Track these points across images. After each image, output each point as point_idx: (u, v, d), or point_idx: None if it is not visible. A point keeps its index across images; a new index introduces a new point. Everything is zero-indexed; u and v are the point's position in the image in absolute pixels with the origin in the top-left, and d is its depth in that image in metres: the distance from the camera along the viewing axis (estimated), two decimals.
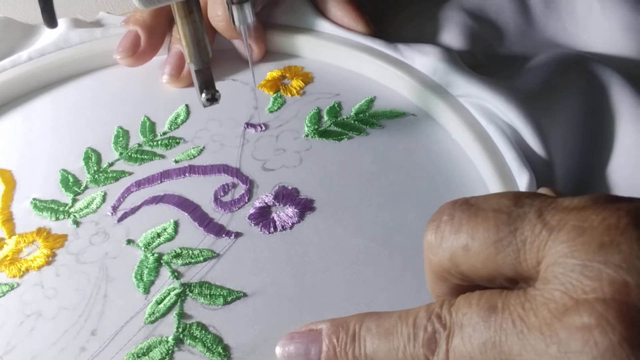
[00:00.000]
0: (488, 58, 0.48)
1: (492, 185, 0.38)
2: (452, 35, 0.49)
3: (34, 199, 0.40)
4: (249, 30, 0.45)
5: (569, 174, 0.40)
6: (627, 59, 0.47)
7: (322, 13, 0.49)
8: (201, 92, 0.38)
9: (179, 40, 0.47)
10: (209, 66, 0.37)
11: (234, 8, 0.40)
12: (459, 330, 0.23)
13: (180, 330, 0.32)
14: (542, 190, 0.35)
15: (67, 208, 0.39)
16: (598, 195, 0.23)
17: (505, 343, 0.22)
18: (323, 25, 0.48)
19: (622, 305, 0.20)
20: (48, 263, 0.36)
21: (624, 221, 0.21)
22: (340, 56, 0.47)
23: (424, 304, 0.26)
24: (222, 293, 0.34)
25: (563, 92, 0.41)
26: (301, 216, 0.38)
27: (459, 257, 0.24)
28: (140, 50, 0.47)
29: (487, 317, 0.23)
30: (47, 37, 0.50)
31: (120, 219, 0.38)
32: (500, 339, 0.22)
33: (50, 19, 0.36)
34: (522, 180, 0.37)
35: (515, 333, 0.22)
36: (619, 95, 0.41)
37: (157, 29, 0.48)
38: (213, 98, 0.38)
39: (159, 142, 0.43)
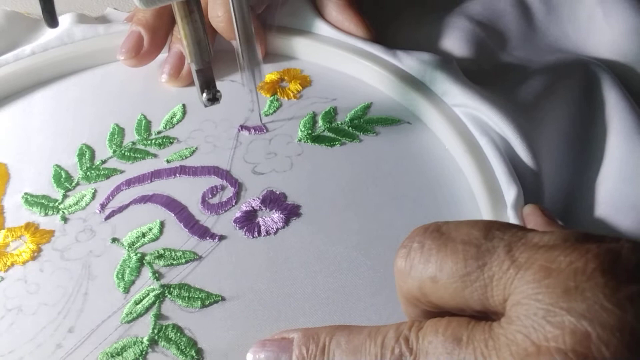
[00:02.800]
0: (490, 64, 0.48)
1: (480, 198, 0.37)
2: (454, 40, 0.48)
3: (25, 194, 0.40)
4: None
5: (558, 186, 0.39)
6: (631, 64, 0.46)
7: (323, 17, 0.48)
8: (202, 92, 0.38)
9: (180, 40, 0.48)
10: (210, 66, 0.37)
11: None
12: (424, 357, 0.23)
13: (155, 331, 0.33)
14: (528, 209, 0.35)
15: (56, 204, 0.39)
16: (568, 233, 0.22)
17: None
18: (324, 28, 0.48)
19: (582, 359, 0.19)
20: (33, 258, 0.37)
21: (591, 266, 0.20)
22: (339, 60, 0.47)
23: (395, 323, 0.25)
24: (200, 296, 0.34)
25: (557, 103, 0.41)
26: (286, 222, 0.38)
27: (427, 288, 0.24)
28: (144, 51, 0.47)
29: (451, 350, 0.22)
30: (51, 31, 0.50)
31: (108, 217, 0.39)
32: None
33: (50, 19, 0.36)
34: (510, 195, 0.36)
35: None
36: (613, 107, 0.41)
37: (160, 30, 0.48)
38: (214, 98, 0.38)
39: (153, 141, 0.43)
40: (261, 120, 0.44)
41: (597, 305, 0.20)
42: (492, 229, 0.23)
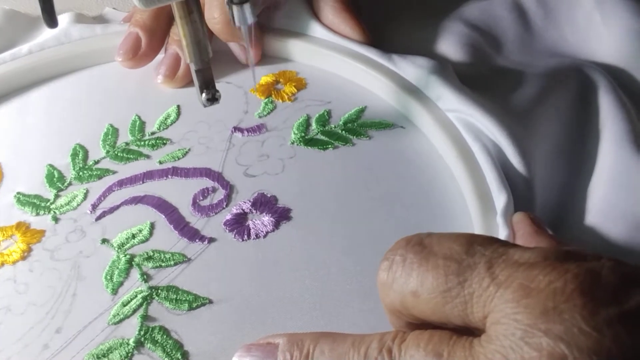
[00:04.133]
0: (486, 68, 0.47)
1: (471, 205, 0.37)
2: (450, 45, 0.48)
3: (18, 193, 0.40)
4: (249, 32, 0.45)
5: (550, 193, 0.39)
6: (629, 67, 0.46)
7: (319, 19, 0.48)
8: (201, 92, 0.38)
9: (177, 41, 0.48)
10: (209, 66, 0.37)
11: (235, 8, 0.40)
12: None
13: (142, 333, 0.33)
14: (517, 217, 0.35)
15: (48, 204, 0.40)
16: (549, 250, 0.22)
17: None
18: (320, 31, 0.48)
19: None
20: (23, 258, 0.37)
21: (570, 286, 0.20)
22: (334, 63, 0.47)
23: (379, 332, 0.25)
24: (187, 298, 0.34)
25: (552, 109, 0.41)
26: (276, 225, 0.38)
27: (409, 302, 0.24)
28: (141, 52, 0.48)
29: (429, 355, 0.22)
30: (49, 30, 0.51)
31: (99, 218, 0.39)
32: None
33: (50, 19, 0.37)
34: (500, 201, 0.36)
35: None
36: (607, 114, 0.40)
37: (158, 31, 0.48)
38: (213, 98, 0.38)
39: (146, 142, 0.43)
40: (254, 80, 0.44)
41: (575, 327, 0.20)
42: (474, 244, 0.23)
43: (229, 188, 0.40)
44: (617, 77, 0.45)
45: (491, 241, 0.23)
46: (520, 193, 0.37)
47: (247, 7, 0.39)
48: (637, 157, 0.38)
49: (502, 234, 0.34)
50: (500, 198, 0.36)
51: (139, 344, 0.32)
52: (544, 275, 0.21)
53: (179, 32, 0.36)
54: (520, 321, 0.20)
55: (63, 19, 0.51)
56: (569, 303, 0.20)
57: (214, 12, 0.46)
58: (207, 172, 0.41)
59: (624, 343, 0.19)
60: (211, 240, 0.37)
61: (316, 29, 0.48)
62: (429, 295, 0.23)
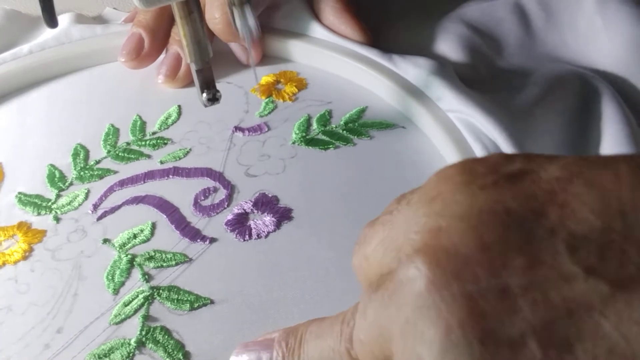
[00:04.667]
0: (487, 70, 0.47)
1: None
2: (451, 46, 0.48)
3: (19, 193, 0.40)
4: (250, 34, 0.45)
5: None
6: (630, 74, 0.46)
7: (320, 20, 0.48)
8: (202, 92, 0.38)
9: (178, 42, 0.48)
10: (210, 66, 0.37)
11: (235, 10, 0.40)
12: (359, 314, 0.23)
13: (143, 333, 0.33)
14: None
15: (49, 204, 0.40)
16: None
17: (381, 316, 0.21)
18: (320, 31, 0.48)
19: (430, 250, 0.19)
20: (24, 258, 0.37)
21: (452, 171, 0.21)
22: (334, 64, 0.47)
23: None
24: (189, 299, 0.34)
25: (552, 113, 0.41)
26: (277, 225, 0.38)
27: (365, 269, 0.24)
28: (144, 53, 0.48)
29: (370, 296, 0.22)
30: (49, 31, 0.51)
31: (100, 218, 0.39)
32: (379, 314, 0.22)
33: (50, 19, 0.37)
34: None
35: (379, 300, 0.22)
36: (608, 120, 0.40)
37: (160, 31, 0.48)
38: (214, 98, 0.38)
39: (147, 142, 0.43)
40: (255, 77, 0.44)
41: (451, 201, 0.20)
42: (406, 193, 0.23)
43: (230, 188, 0.40)
44: (617, 83, 0.45)
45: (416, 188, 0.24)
46: None
47: (248, 8, 0.39)
48: None
49: None
50: None
51: (141, 344, 0.32)
52: (436, 176, 0.21)
53: (179, 32, 0.36)
54: (411, 217, 0.21)
55: (63, 19, 0.51)
56: (449, 184, 0.20)
57: (214, 13, 0.46)
58: (208, 172, 0.41)
59: (494, 200, 0.19)
60: (212, 240, 0.37)
61: (317, 30, 0.48)
62: (373, 252, 0.23)
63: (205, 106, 0.38)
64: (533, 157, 0.21)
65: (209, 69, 0.37)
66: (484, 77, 0.47)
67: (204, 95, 0.38)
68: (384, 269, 0.23)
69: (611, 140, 0.39)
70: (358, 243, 0.25)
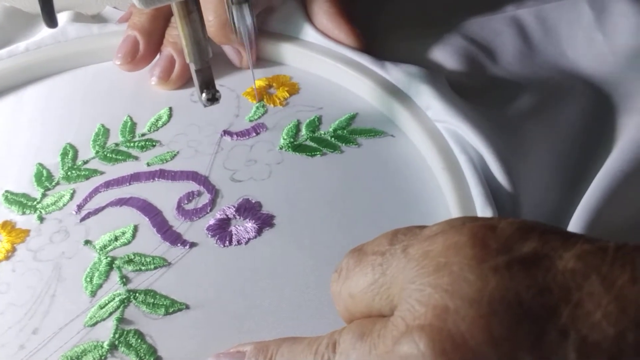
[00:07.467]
0: (481, 79, 0.47)
1: (455, 217, 0.37)
2: (446, 55, 0.48)
3: (6, 192, 0.40)
4: (248, 33, 0.45)
5: (542, 210, 0.38)
6: (630, 87, 0.45)
7: (314, 24, 0.48)
8: (201, 92, 0.38)
9: (172, 43, 0.48)
10: (209, 66, 0.37)
11: (234, 9, 0.40)
12: (339, 355, 0.24)
13: (116, 336, 0.33)
14: None
15: (34, 203, 0.40)
16: (457, 218, 0.22)
17: None
18: (314, 36, 0.48)
19: (436, 332, 0.19)
20: (7, 258, 0.37)
21: (462, 240, 0.20)
22: (327, 69, 0.47)
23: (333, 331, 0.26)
24: (164, 303, 0.34)
25: (545, 126, 0.40)
26: (259, 232, 0.38)
27: (349, 305, 0.24)
28: (140, 55, 0.48)
29: (354, 344, 0.23)
30: (47, 29, 0.51)
31: (83, 219, 0.39)
32: None
33: (49, 19, 0.37)
34: (486, 215, 0.36)
35: (365, 353, 0.22)
36: (605, 133, 0.40)
37: (155, 33, 0.48)
38: (214, 98, 0.38)
39: (136, 144, 0.43)
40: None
41: (461, 278, 0.19)
42: (398, 234, 0.23)
43: (214, 192, 0.40)
44: (616, 95, 0.44)
45: (415, 228, 0.24)
46: (506, 208, 0.37)
47: (246, 7, 0.39)
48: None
49: None
50: (486, 212, 0.36)
51: (113, 347, 0.32)
52: (444, 237, 0.21)
53: (179, 31, 0.36)
54: (416, 282, 0.21)
55: (61, 17, 0.51)
56: (459, 256, 0.20)
57: (208, 15, 0.46)
58: (193, 176, 0.41)
59: (506, 287, 0.19)
60: (192, 245, 0.37)
61: (310, 34, 0.48)
62: (361, 293, 0.23)
63: (205, 106, 0.38)
64: (548, 239, 0.20)
65: (208, 69, 0.37)
66: (480, 87, 0.46)
67: (204, 95, 0.38)
68: (372, 312, 0.23)
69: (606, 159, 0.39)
70: (339, 273, 0.25)
